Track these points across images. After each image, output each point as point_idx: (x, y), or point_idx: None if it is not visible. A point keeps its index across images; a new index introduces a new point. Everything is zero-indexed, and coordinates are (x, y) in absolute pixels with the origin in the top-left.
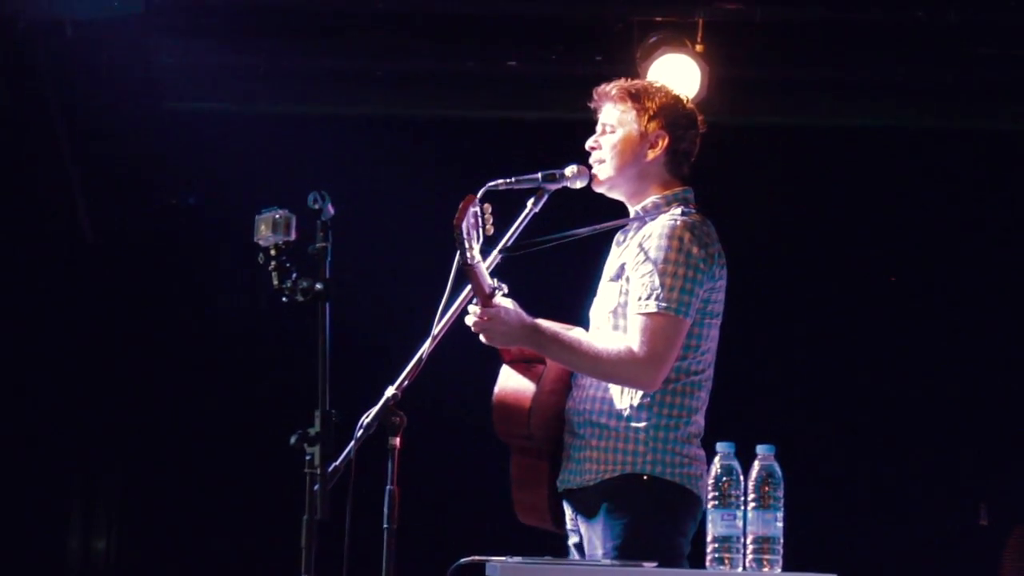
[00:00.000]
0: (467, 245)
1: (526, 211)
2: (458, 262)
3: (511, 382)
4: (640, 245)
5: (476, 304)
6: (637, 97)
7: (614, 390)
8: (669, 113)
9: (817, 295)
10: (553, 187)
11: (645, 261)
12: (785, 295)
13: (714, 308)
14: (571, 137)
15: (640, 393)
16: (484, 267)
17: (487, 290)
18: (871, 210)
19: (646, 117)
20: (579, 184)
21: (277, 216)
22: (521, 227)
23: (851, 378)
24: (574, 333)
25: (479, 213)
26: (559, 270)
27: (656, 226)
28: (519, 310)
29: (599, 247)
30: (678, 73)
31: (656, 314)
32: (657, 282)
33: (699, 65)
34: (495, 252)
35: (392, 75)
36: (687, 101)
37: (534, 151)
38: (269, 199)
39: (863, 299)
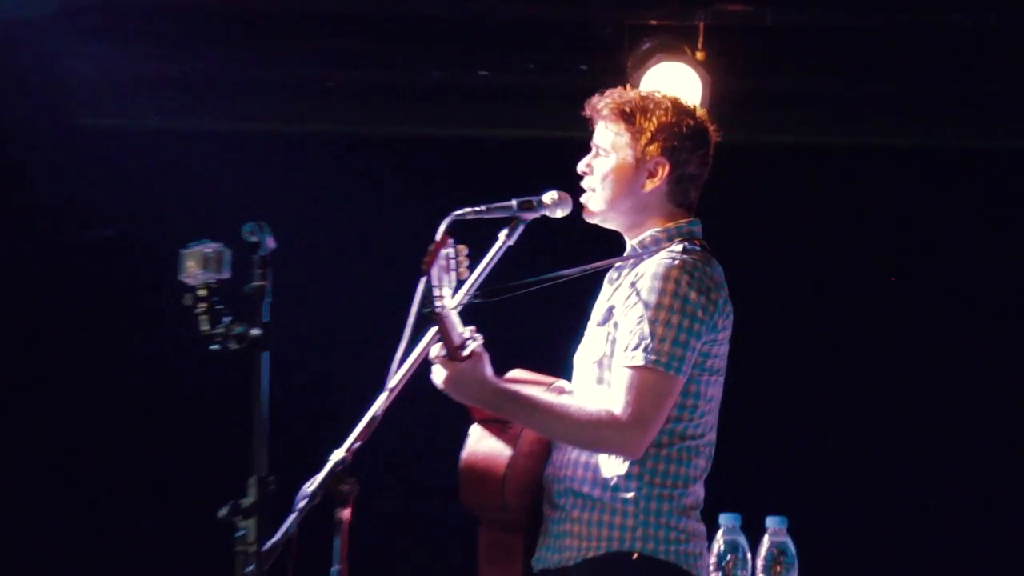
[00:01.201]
0: (438, 292)
1: (498, 244)
2: (422, 309)
3: (483, 445)
4: (632, 286)
5: (443, 355)
6: (632, 117)
7: (600, 455)
8: (671, 134)
9: (835, 341)
10: (530, 216)
11: (635, 305)
12: (799, 341)
13: (715, 363)
14: (551, 158)
15: (630, 460)
16: (455, 314)
17: (457, 341)
18: (900, 243)
19: (643, 141)
20: (560, 213)
21: (207, 250)
22: (493, 263)
23: (873, 438)
24: (544, 395)
25: (450, 255)
26: (541, 308)
27: (651, 265)
28: (486, 366)
29: (590, 283)
30: (675, 84)
31: (644, 368)
32: (647, 331)
33: (699, 75)
34: (462, 292)
35: (344, 87)
36: (695, 110)
37: (508, 174)
38: (198, 231)
39: (887, 349)
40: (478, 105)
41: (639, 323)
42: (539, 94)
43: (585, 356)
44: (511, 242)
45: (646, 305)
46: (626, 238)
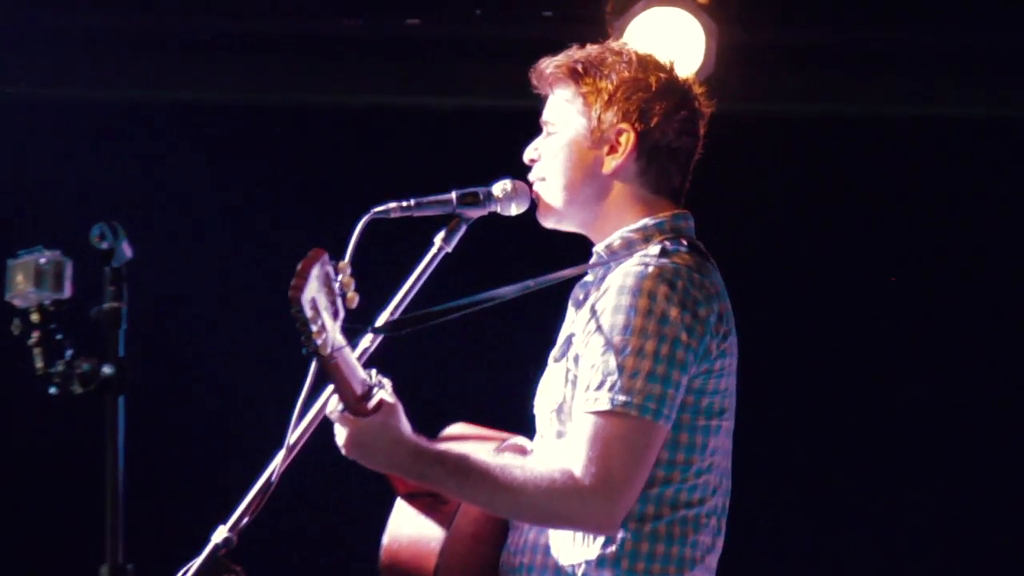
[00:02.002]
0: (316, 326)
1: (432, 251)
2: (301, 350)
3: (409, 527)
4: (593, 306)
5: (341, 409)
6: (582, 76)
7: (562, 534)
8: (634, 92)
9: (863, 367)
10: (475, 214)
11: (597, 331)
12: (816, 364)
13: (714, 403)
14: (503, 135)
15: (602, 538)
16: (352, 355)
17: (358, 389)
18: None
19: (598, 104)
20: (515, 209)
21: (42, 261)
22: (426, 275)
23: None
24: (482, 455)
25: (331, 274)
26: (489, 336)
27: (616, 276)
28: (399, 420)
29: (554, 302)
30: (670, 37)
31: (610, 414)
32: (612, 364)
33: (703, 24)
34: (369, 328)
35: (245, 42)
36: (670, 67)
37: (444, 157)
38: (31, 234)
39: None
40: (405, 64)
41: (603, 354)
42: (487, 49)
43: (543, 403)
44: (449, 248)
45: (611, 329)
46: (593, 242)
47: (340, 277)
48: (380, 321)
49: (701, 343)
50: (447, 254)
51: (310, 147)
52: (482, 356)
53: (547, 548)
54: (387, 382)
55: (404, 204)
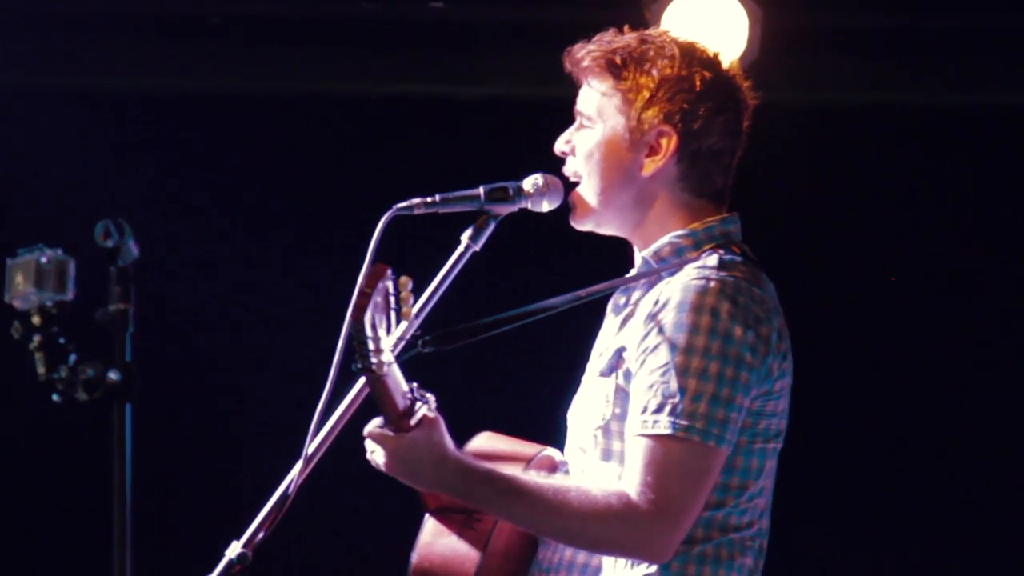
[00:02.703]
0: (374, 345)
1: (459, 251)
2: (353, 366)
3: (441, 545)
4: (650, 319)
5: (383, 425)
6: (622, 70)
7: (604, 557)
8: (678, 91)
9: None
10: (504, 210)
11: (656, 348)
12: (874, 362)
13: (769, 425)
14: (536, 125)
15: (644, 564)
16: (398, 370)
17: (402, 405)
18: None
19: (639, 102)
20: (547, 206)
21: (43, 260)
22: (452, 277)
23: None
24: (529, 476)
25: (391, 289)
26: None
27: (675, 290)
28: (443, 436)
29: (585, 311)
30: (711, 21)
31: (671, 438)
32: (674, 386)
33: (747, 9)
34: (396, 336)
35: (261, 28)
36: (716, 59)
37: (472, 149)
38: (32, 231)
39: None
40: (429, 50)
41: (663, 375)
42: (516, 35)
43: (584, 418)
44: (477, 247)
45: (672, 348)
46: (634, 248)
47: (399, 292)
48: (401, 327)
49: (764, 363)
50: (475, 253)
51: (328, 139)
52: (511, 363)
53: (584, 568)
54: (430, 397)
55: (429, 200)
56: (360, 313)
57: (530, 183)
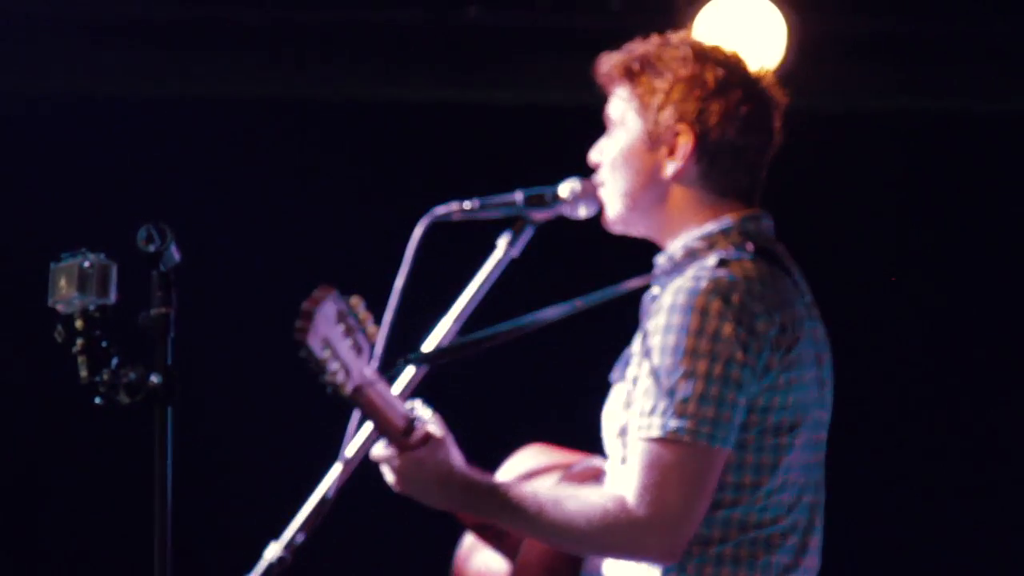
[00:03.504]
0: (335, 365)
1: (496, 255)
2: (326, 390)
3: (476, 561)
4: (647, 326)
5: (386, 447)
6: (638, 75)
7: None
8: (690, 90)
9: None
10: (541, 216)
11: (649, 353)
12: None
13: (783, 419)
14: (573, 132)
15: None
16: (386, 389)
17: (399, 424)
18: None
19: (654, 105)
20: (583, 211)
21: (86, 264)
22: (490, 282)
23: None
24: (538, 487)
25: (345, 310)
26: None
27: (669, 293)
28: (448, 453)
29: (628, 309)
30: (745, 27)
31: (663, 441)
32: (664, 387)
33: (782, 13)
34: (403, 360)
35: (297, 34)
36: (733, 59)
37: (509, 156)
38: (73, 234)
39: None
40: (465, 57)
41: (655, 378)
42: (552, 41)
43: (608, 425)
44: (516, 252)
45: (662, 351)
46: (662, 248)
47: (356, 313)
48: (438, 334)
49: (759, 360)
50: (513, 259)
51: (365, 145)
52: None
53: (621, 571)
54: (431, 414)
55: (467, 205)
56: (303, 336)
57: (566, 189)
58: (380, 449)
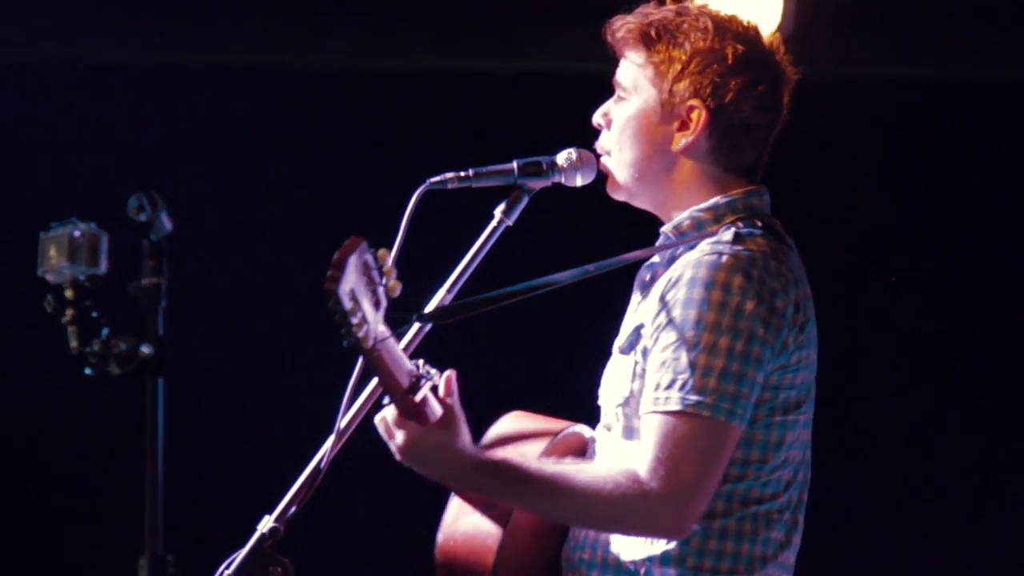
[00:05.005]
0: (357, 318)
1: (492, 224)
2: (341, 342)
3: (464, 523)
4: (663, 297)
5: (392, 410)
6: (656, 42)
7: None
8: (709, 64)
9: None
10: (537, 184)
11: (668, 325)
12: (911, 345)
13: (791, 398)
14: (571, 100)
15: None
16: (396, 346)
17: (404, 382)
18: None
19: (671, 75)
20: (580, 180)
21: (76, 234)
22: (485, 250)
23: None
24: (540, 462)
25: (370, 263)
26: (547, 317)
27: (687, 266)
28: (458, 431)
29: (620, 280)
30: None
31: (682, 414)
32: (685, 361)
33: None
34: (415, 316)
35: (268, 2)
36: (752, 31)
37: (506, 124)
38: (63, 204)
39: None
40: (463, 24)
41: (674, 351)
42: (551, 8)
43: (609, 396)
44: (511, 221)
45: (682, 324)
46: (662, 221)
47: (381, 266)
48: (434, 302)
49: (779, 337)
50: (508, 228)
51: (360, 114)
52: (543, 339)
53: (608, 543)
54: (433, 373)
55: (462, 174)
56: (334, 285)
57: (563, 157)
58: (385, 420)
